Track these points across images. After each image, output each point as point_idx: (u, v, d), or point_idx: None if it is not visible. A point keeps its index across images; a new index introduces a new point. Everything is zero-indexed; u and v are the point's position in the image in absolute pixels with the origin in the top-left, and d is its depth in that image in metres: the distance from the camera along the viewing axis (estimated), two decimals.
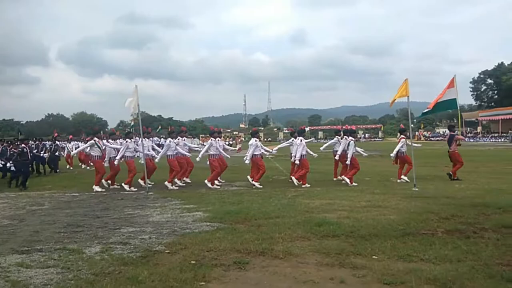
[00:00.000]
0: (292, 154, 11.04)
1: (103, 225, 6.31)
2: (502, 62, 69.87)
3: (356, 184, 10.46)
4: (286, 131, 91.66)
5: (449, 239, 4.88)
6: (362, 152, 11.60)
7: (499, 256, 4.20)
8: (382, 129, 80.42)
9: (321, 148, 12.17)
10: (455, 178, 11.06)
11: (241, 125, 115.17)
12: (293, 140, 11.19)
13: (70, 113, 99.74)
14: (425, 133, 66.34)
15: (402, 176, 11.11)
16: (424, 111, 11.32)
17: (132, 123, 23.72)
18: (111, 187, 11.19)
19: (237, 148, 36.48)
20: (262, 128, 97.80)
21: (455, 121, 62.30)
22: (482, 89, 72.04)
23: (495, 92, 69.52)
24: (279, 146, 12.86)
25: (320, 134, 77.73)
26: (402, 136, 11.61)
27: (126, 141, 11.15)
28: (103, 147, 11.03)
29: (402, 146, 11.21)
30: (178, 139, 11.42)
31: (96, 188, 10.59)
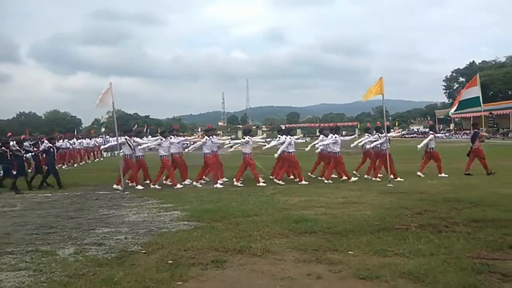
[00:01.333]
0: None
1: (77, 226, 6.17)
2: (473, 61, 72.23)
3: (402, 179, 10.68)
4: (265, 129, 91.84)
5: (422, 233, 4.99)
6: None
7: (470, 249, 4.32)
8: (358, 126, 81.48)
9: (354, 144, 12.25)
10: (467, 172, 11.33)
11: (220, 123, 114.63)
12: (322, 137, 11.60)
13: (42, 111, 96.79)
14: (400, 130, 67.70)
15: (419, 172, 11.42)
16: (452, 111, 11.91)
17: (102, 120, 23.30)
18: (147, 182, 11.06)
19: None
20: (241, 126, 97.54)
21: (429, 118, 63.88)
22: (455, 87, 74.02)
23: None
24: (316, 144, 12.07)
25: (299, 132, 78.03)
26: (431, 132, 12.00)
27: (162, 140, 10.99)
28: (134, 144, 10.83)
29: (430, 142, 11.60)
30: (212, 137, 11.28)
31: (138, 187, 10.53)
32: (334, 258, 4.20)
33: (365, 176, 11.34)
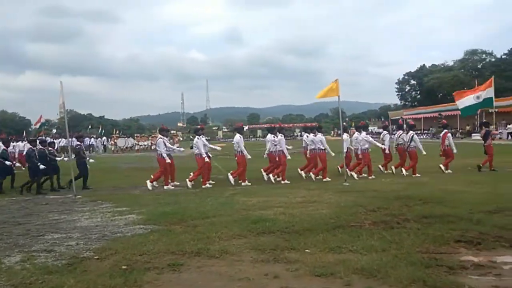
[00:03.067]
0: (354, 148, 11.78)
1: (25, 232, 5.85)
2: (423, 65, 75.63)
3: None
4: (225, 129, 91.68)
5: (375, 230, 5.16)
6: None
7: (420, 244, 4.52)
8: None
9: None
10: (492, 169, 11.80)
11: (179, 124, 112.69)
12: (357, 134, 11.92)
13: None
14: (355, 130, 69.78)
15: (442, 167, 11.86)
16: (463, 107, 12.84)
17: (42, 121, 22.21)
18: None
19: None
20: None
21: (383, 119, 66.33)
22: (406, 90, 77.28)
23: (418, 92, 74.97)
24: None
25: (259, 132, 78.33)
26: (446, 131, 12.45)
27: (198, 138, 10.80)
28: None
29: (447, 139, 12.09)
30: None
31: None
32: (291, 257, 4.24)
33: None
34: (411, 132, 11.90)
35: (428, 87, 66.20)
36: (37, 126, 25.37)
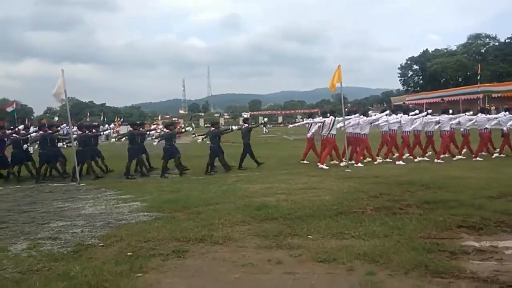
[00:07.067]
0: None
1: (30, 220, 5.91)
2: (426, 49, 74.72)
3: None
4: (227, 116, 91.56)
5: (377, 216, 5.20)
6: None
7: (421, 229, 4.55)
8: (319, 113, 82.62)
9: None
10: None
11: (181, 111, 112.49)
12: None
13: None
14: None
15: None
16: None
17: (13, 108, 22.14)
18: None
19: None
20: (203, 114, 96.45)
21: (385, 105, 66.03)
22: (409, 75, 76.56)
23: (421, 77, 74.30)
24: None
25: (261, 119, 78.13)
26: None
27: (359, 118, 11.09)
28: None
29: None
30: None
31: (323, 166, 10.54)
32: (294, 243, 4.29)
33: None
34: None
35: (431, 72, 65.60)
36: (9, 109, 25.58)
